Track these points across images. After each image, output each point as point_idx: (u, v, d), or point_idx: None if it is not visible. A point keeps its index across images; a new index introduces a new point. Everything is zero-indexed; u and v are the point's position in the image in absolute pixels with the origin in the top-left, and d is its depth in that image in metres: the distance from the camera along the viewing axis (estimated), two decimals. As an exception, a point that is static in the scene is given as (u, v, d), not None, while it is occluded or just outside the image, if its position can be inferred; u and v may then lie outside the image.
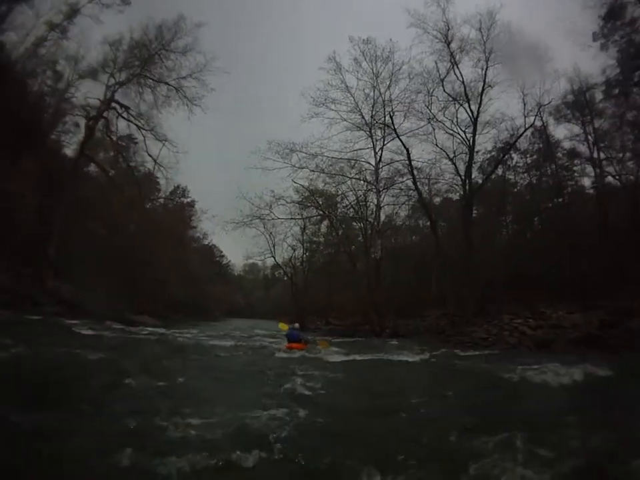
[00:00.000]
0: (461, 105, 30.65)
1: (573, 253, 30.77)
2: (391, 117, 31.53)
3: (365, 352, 16.29)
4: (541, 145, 37.98)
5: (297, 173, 34.53)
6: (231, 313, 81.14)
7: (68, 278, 27.18)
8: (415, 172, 31.87)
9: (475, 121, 29.82)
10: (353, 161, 35.43)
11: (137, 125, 35.06)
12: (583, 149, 34.63)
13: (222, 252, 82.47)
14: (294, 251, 53.45)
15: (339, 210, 39.62)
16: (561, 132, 38.73)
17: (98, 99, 33.03)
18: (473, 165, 31.57)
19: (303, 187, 35.92)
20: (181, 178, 49.55)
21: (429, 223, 46.29)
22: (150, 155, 36.33)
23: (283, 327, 20.11)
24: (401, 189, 35.73)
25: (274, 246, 50.92)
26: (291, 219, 36.21)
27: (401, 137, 31.48)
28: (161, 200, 53.26)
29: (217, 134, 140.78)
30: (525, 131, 31.05)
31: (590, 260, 29.77)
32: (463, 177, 31.22)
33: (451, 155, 32.03)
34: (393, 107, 32.30)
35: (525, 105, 30.84)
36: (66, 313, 22.69)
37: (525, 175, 41.20)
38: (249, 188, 34.65)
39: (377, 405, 7.27)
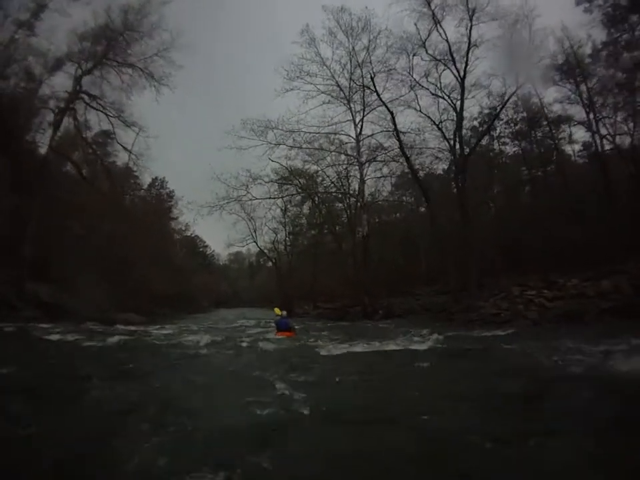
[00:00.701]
0: (446, 66, 27.01)
1: (571, 220, 28.12)
2: (372, 78, 27.99)
3: (360, 339, 13.33)
4: (525, 114, 35.64)
5: (273, 151, 31.28)
6: (218, 303, 78.85)
7: (47, 280, 25.24)
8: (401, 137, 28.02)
9: (462, 81, 26.35)
10: (332, 135, 32.23)
11: (105, 114, 32.42)
12: (574, 111, 32.12)
13: (205, 242, 78.79)
14: (276, 234, 49.91)
15: (321, 188, 36.21)
16: (550, 95, 35.21)
17: (66, 92, 30.62)
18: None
19: (281, 165, 32.35)
20: (154, 165, 45.62)
21: (413, 199, 46.11)
22: (120, 144, 33.90)
23: (278, 312, 18.29)
24: (385, 161, 32.58)
25: (255, 231, 47.67)
26: (270, 198, 32.59)
27: (383, 100, 27.86)
28: (141, 192, 50.09)
29: (188, 116, 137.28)
30: (516, 89, 27.48)
31: (591, 226, 26.99)
32: (452, 143, 27.74)
33: (437, 121, 28.46)
34: (374, 67, 28.67)
35: (515, 60, 27.34)
36: (44, 317, 21.29)
37: (512, 143, 38.70)
38: (223, 169, 30.96)
39: (385, 412, 5.29)
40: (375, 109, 30.86)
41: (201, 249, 77.86)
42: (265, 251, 50.77)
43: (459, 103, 26.91)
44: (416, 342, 12.16)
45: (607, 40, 27.92)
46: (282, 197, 36.05)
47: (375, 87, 27.86)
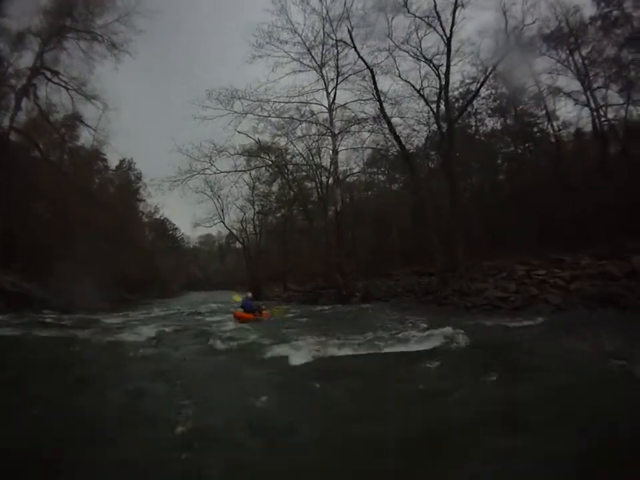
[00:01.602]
0: (431, 25, 23.06)
1: (565, 196, 24.98)
2: (349, 32, 23.88)
3: (345, 331, 10.45)
4: (504, 89, 32.38)
5: (240, 122, 26.75)
6: (189, 286, 74.65)
7: (10, 267, 23.27)
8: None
9: (448, 40, 22.35)
10: (303, 107, 28.09)
11: (66, 88, 29.76)
12: (561, 82, 28.71)
13: (175, 225, 73.43)
14: (244, 213, 45.31)
15: (291, 160, 31.85)
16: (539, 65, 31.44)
17: (27, 68, 28.22)
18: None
19: (249, 136, 27.90)
20: (115, 140, 41.00)
21: (385, 178, 42.71)
22: (82, 121, 32.18)
23: (237, 298, 18.76)
24: (360, 131, 28.35)
25: (222, 210, 43.44)
26: (236, 171, 27.89)
27: (362, 56, 23.76)
28: (109, 173, 46.37)
29: (149, 86, 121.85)
30: (505, 54, 23.49)
31: (581, 202, 23.78)
32: (435, 109, 23.81)
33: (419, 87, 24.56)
34: (352, 23, 24.33)
35: (506, 22, 23.75)
36: (5, 307, 19.07)
37: (491, 119, 35.50)
38: (187, 142, 26.14)
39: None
40: (348, 76, 26.90)
41: (170, 232, 72.96)
42: (233, 231, 46.44)
43: (442, 68, 23.20)
44: (424, 338, 8.76)
45: (596, 14, 25.65)
46: (249, 170, 31.58)
47: (352, 41, 23.84)
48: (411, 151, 30.80)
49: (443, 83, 22.84)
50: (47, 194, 28.65)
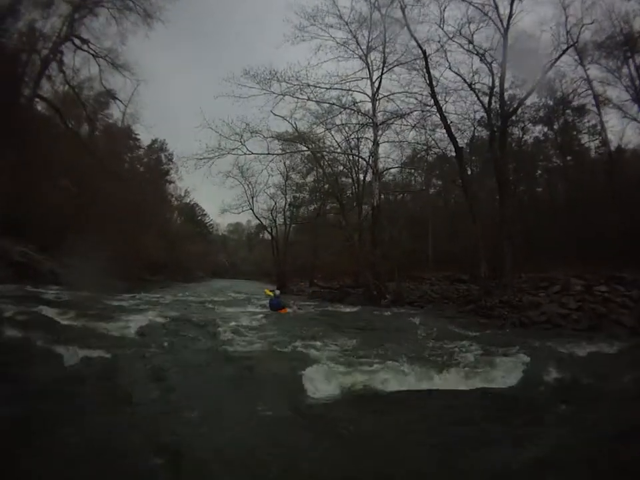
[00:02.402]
0: (487, 15, 20.67)
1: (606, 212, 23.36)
2: (402, 10, 21.57)
3: (373, 345, 8.48)
4: (550, 102, 30.58)
5: (276, 102, 24.52)
6: (215, 273, 73.88)
7: (23, 238, 21.96)
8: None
9: (505, 32, 19.94)
10: (344, 95, 25.82)
11: (94, 55, 28.53)
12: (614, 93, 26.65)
13: (204, 211, 72.12)
14: (275, 202, 42.66)
15: (328, 149, 29.47)
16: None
17: (56, 35, 27.04)
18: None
19: (285, 119, 25.63)
20: (144, 114, 39.27)
21: (422, 180, 40.48)
22: (105, 87, 30.62)
23: (268, 293, 18.51)
24: (402, 126, 25.77)
25: (252, 197, 40.73)
26: (268, 154, 25.25)
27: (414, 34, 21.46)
28: (140, 152, 46.33)
29: (181, 60, 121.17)
30: (565, 50, 20.83)
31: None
32: (486, 105, 21.44)
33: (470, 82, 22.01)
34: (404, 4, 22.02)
35: (567, 18, 21.13)
36: (13, 277, 18.01)
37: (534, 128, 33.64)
38: (216, 118, 23.89)
39: None
40: (395, 66, 24.54)
41: (199, 218, 71.62)
42: (262, 219, 43.59)
43: (494, 64, 20.86)
44: (494, 366, 6.78)
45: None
46: (283, 154, 29.12)
47: (405, 18, 21.53)
48: (450, 154, 28.72)
49: (498, 76, 20.40)
50: (71, 168, 27.45)
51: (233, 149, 23.77)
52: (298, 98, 24.60)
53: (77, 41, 27.63)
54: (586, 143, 31.12)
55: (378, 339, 9.59)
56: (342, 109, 25.96)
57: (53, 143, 26.41)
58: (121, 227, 29.15)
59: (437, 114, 22.05)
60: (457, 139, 23.65)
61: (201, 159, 23.44)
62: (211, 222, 75.83)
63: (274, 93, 24.06)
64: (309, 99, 24.74)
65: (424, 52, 20.77)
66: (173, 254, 45.32)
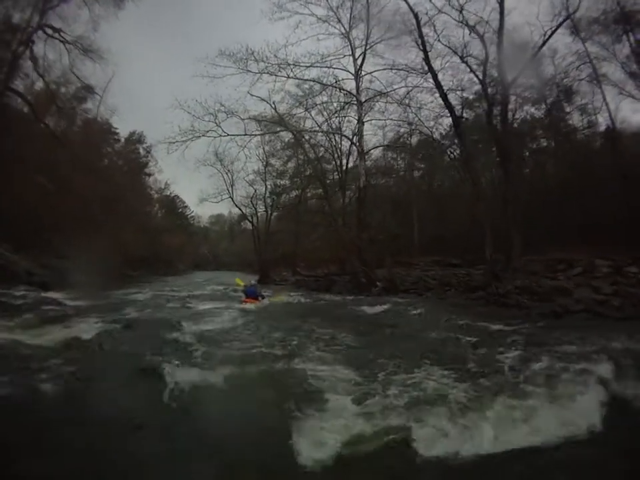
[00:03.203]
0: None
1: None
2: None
3: (382, 353, 6.47)
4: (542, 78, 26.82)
5: (253, 83, 21.99)
6: (197, 265, 71.26)
7: (4, 239, 19.99)
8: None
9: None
10: (325, 71, 23.13)
11: (63, 41, 25.72)
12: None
13: (185, 203, 68.61)
14: (255, 190, 40.11)
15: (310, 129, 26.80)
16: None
17: (26, 24, 24.51)
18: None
19: (263, 99, 22.84)
20: (119, 102, 36.34)
21: (404, 164, 38.14)
22: (76, 75, 27.61)
23: (239, 282, 18.50)
24: (388, 102, 23.34)
25: (232, 185, 38.82)
26: (245, 134, 22.31)
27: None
28: (118, 145, 43.56)
29: (151, 41, 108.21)
30: (565, 19, 18.72)
31: None
32: (481, 77, 19.14)
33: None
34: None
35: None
36: None
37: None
38: (189, 99, 21.22)
39: None
40: (378, 43, 22.29)
41: (180, 210, 68.42)
42: (242, 207, 41.27)
43: (487, 36, 18.57)
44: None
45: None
46: (261, 134, 26.00)
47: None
48: (435, 135, 26.43)
49: (494, 46, 18.16)
50: (47, 164, 25.50)
51: (208, 131, 21.20)
52: (276, 76, 22.05)
53: (49, 30, 25.04)
54: (579, 122, 28.89)
55: (389, 345, 7.31)
56: (323, 88, 23.58)
57: (27, 138, 24.29)
58: (99, 223, 27.54)
59: (427, 86, 19.98)
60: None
61: (173, 142, 20.88)
62: (192, 214, 72.83)
63: (251, 71, 21.63)
64: (288, 77, 22.27)
65: (416, 15, 18.35)
66: (154, 248, 43.32)
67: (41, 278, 18.78)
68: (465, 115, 25.64)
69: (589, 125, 28.14)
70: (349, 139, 25.51)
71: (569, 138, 28.50)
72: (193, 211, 72.09)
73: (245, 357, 6.01)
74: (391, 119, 24.18)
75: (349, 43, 22.54)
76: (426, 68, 18.96)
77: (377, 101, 23.55)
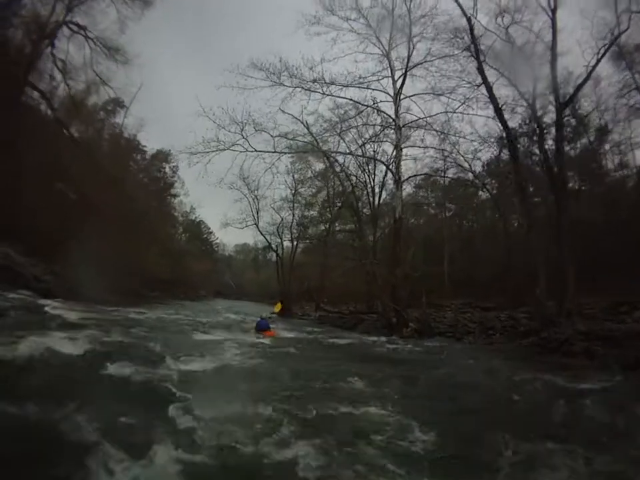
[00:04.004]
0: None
1: None
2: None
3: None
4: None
5: (288, 98, 20.27)
6: (219, 293, 68.63)
7: (17, 242, 18.51)
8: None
9: (553, 13, 15.98)
10: (363, 90, 21.53)
11: (85, 37, 24.41)
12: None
13: (210, 229, 67.19)
14: (282, 219, 37.97)
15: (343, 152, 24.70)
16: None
17: (54, 20, 23.38)
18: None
19: (295, 117, 21.25)
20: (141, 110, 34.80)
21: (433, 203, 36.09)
22: (96, 72, 25.59)
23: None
24: (427, 128, 21.35)
25: (257, 212, 36.64)
26: (274, 152, 20.17)
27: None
28: (143, 163, 42.15)
29: (178, 50, 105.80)
30: (617, 37, 16.15)
31: None
32: (531, 102, 17.54)
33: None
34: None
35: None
36: None
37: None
38: (215, 107, 19.47)
39: None
40: (420, 64, 20.37)
41: (204, 236, 66.93)
42: (267, 236, 38.84)
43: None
44: None
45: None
46: (291, 153, 23.13)
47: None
48: (474, 169, 24.29)
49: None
50: (68, 172, 24.04)
51: (233, 144, 19.36)
52: (311, 91, 20.45)
53: (74, 27, 24.06)
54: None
55: (450, 402, 5.66)
56: (359, 112, 22.11)
57: (49, 143, 23.18)
58: (119, 238, 25.66)
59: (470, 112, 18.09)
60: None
61: (194, 153, 19.10)
62: (217, 240, 71.42)
63: (284, 85, 20.05)
64: (324, 94, 20.69)
65: (469, 19, 16.48)
66: (176, 271, 41.64)
67: (47, 284, 17.79)
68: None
69: (622, 165, 26.32)
70: (385, 165, 23.80)
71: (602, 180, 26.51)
72: (217, 238, 71.22)
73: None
74: (431, 147, 22.12)
75: (388, 64, 20.89)
76: (479, 79, 16.96)
77: (416, 128, 21.82)
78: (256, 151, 19.86)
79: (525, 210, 16.63)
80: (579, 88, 16.52)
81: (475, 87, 17.85)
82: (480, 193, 33.53)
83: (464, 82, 18.53)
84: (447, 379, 7.48)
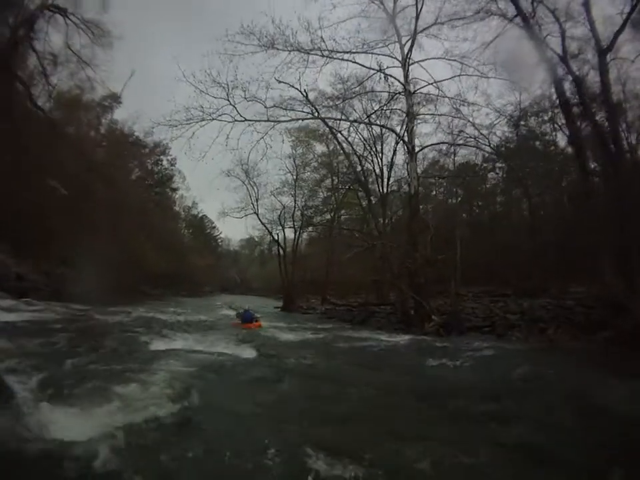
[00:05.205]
0: None
1: None
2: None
3: None
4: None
5: (283, 64, 16.85)
6: (224, 288, 66.74)
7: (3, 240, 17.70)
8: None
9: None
10: (367, 55, 17.82)
11: (64, 16, 21.55)
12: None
13: (213, 224, 63.89)
14: (283, 206, 33.73)
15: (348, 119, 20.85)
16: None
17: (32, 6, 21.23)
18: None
19: (292, 86, 17.51)
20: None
21: (444, 188, 32.68)
22: (71, 49, 22.45)
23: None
24: (440, 96, 17.92)
25: (257, 200, 32.97)
26: (268, 121, 16.26)
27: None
28: (142, 156, 39.15)
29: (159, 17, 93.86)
30: None
31: None
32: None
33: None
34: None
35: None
36: None
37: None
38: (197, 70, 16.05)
39: None
40: (430, 26, 17.01)
41: (208, 231, 63.77)
42: (267, 225, 34.76)
43: None
44: None
45: None
46: (287, 121, 18.61)
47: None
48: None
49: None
50: (60, 168, 21.91)
51: (220, 115, 15.79)
52: (310, 53, 16.87)
53: (54, 9, 21.46)
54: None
55: None
56: (366, 76, 18.35)
57: (38, 138, 21.14)
58: (116, 235, 23.96)
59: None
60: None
61: (174, 125, 15.53)
62: (220, 234, 68.48)
63: (278, 49, 16.56)
64: (323, 55, 17.09)
65: None
66: (178, 267, 38.98)
67: (32, 284, 16.84)
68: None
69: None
70: (396, 133, 20.12)
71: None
72: (221, 232, 68.78)
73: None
74: (444, 115, 18.43)
75: (394, 28, 17.34)
76: (513, 11, 13.46)
77: (427, 97, 18.32)
78: (246, 120, 16.19)
79: (584, 174, 13.01)
80: (620, 29, 12.94)
81: (508, 21, 14.20)
82: (489, 175, 31.23)
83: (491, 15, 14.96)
84: (542, 415, 4.09)
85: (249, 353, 7.58)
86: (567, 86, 14.02)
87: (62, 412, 3.36)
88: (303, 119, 18.30)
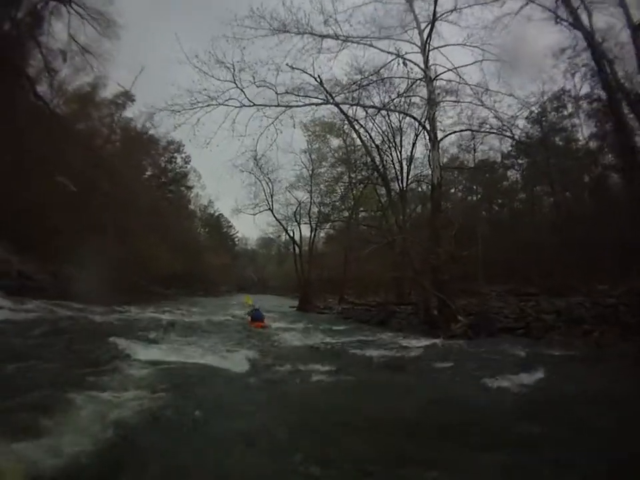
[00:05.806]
0: None
1: None
2: None
3: None
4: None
5: (293, 48, 15.56)
6: (242, 288, 65.38)
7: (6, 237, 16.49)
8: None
9: None
10: (385, 42, 16.57)
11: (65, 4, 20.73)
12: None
13: (230, 222, 63.54)
14: (299, 203, 32.62)
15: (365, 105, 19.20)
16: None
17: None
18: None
19: (305, 72, 16.03)
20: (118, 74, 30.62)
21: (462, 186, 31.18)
22: (75, 40, 21.91)
23: (249, 301, 17.09)
24: (461, 82, 16.42)
25: (271, 196, 31.76)
26: (278, 106, 14.94)
27: None
28: (155, 153, 38.09)
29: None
30: None
31: None
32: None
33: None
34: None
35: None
36: None
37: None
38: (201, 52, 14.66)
39: None
40: (450, 12, 15.78)
41: (224, 229, 62.92)
42: (282, 222, 33.47)
43: None
44: None
45: None
46: (298, 107, 17.30)
47: None
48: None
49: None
50: (68, 165, 20.91)
51: (227, 99, 14.55)
52: (323, 36, 15.62)
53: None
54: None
55: None
56: (384, 61, 17.06)
57: (48, 135, 20.13)
58: (125, 233, 23.69)
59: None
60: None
61: (178, 110, 14.30)
62: (237, 233, 67.79)
63: (290, 32, 15.29)
64: (338, 38, 15.79)
65: None
66: (193, 267, 38.23)
67: (38, 284, 15.84)
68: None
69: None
70: (417, 120, 18.64)
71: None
72: (237, 231, 68.24)
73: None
74: (466, 102, 16.92)
75: (412, 13, 16.07)
76: None
77: (449, 81, 16.85)
78: (255, 105, 14.94)
79: (628, 157, 11.57)
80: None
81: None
82: (508, 173, 30.98)
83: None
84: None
85: (238, 360, 6.34)
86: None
87: None
88: (316, 104, 16.93)
